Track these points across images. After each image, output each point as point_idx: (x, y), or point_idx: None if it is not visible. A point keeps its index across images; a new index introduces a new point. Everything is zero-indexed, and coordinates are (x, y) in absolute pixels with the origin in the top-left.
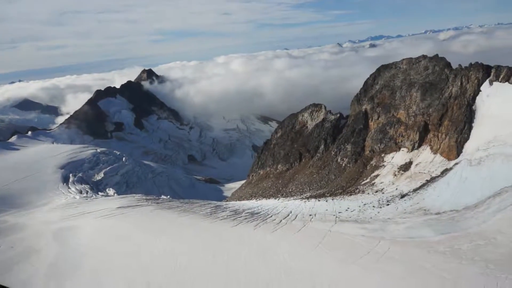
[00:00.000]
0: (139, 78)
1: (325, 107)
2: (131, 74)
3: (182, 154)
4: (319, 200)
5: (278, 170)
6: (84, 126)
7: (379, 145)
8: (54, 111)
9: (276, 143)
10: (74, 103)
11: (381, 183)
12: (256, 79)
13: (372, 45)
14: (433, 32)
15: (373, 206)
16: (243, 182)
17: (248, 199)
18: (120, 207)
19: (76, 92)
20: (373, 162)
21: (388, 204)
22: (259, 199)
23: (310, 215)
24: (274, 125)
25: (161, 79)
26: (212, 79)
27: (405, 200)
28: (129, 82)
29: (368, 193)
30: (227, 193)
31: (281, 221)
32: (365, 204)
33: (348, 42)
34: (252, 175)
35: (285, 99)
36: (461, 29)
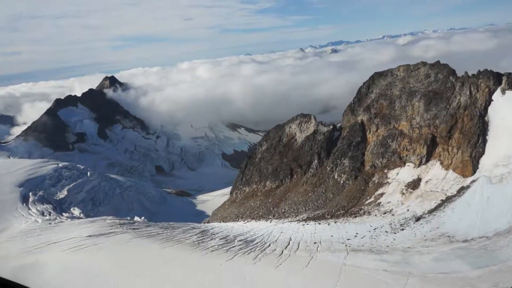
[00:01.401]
0: (101, 85)
1: (314, 118)
2: (93, 82)
3: (149, 165)
4: (319, 223)
5: (266, 188)
6: (43, 137)
7: (381, 159)
8: (10, 121)
9: (262, 158)
10: (31, 113)
11: (388, 203)
12: (223, 85)
13: (334, 51)
14: (390, 37)
15: (386, 231)
16: (215, 193)
17: (234, 221)
18: (91, 236)
19: (33, 101)
20: (375, 179)
21: (402, 229)
22: (248, 221)
23: (315, 243)
24: (243, 132)
25: (124, 87)
26: (178, 86)
27: (421, 224)
28: (90, 90)
29: (376, 215)
30: (200, 207)
31: (282, 251)
32: (375, 229)
33: (309, 47)
34: (236, 193)
35: (254, 106)
36: (416, 34)
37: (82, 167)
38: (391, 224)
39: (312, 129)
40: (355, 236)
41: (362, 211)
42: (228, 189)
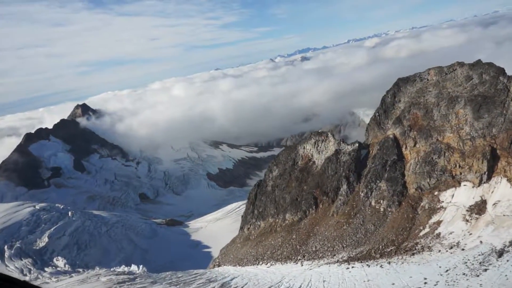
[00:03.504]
0: (73, 114)
1: (333, 135)
2: (63, 111)
3: (132, 194)
4: (368, 265)
5: (287, 221)
6: (15, 176)
7: (428, 180)
8: None
9: (276, 185)
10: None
11: (451, 233)
12: (202, 103)
13: (305, 58)
14: (355, 41)
15: (464, 274)
16: (206, 218)
17: (254, 264)
18: None
19: (1, 137)
20: (424, 204)
21: (485, 269)
22: (272, 264)
23: None
24: (226, 148)
25: (98, 114)
26: (155, 107)
27: (507, 260)
28: (62, 121)
29: (440, 251)
30: (195, 236)
31: None
32: (447, 271)
33: (278, 57)
34: (249, 228)
35: (236, 121)
36: (380, 36)
37: (62, 206)
38: (466, 263)
39: (333, 148)
40: (425, 283)
41: (419, 246)
42: (220, 212)
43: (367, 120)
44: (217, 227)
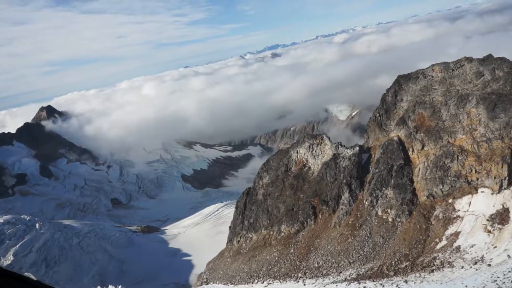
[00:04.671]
0: (38, 117)
1: (328, 138)
2: (27, 114)
3: (104, 199)
4: (382, 285)
5: (283, 234)
6: None
7: (440, 186)
8: None
9: (267, 194)
10: None
11: (472, 246)
12: (173, 102)
13: (275, 54)
14: (323, 36)
15: None
16: (184, 222)
17: (248, 282)
18: None
19: None
20: (438, 213)
21: None
22: (269, 282)
23: None
24: (200, 148)
25: (65, 116)
26: (125, 108)
27: None
28: (26, 124)
29: (463, 267)
30: (174, 243)
31: None
32: None
33: (248, 53)
34: (239, 241)
35: (211, 120)
36: (348, 32)
37: (28, 217)
38: (496, 281)
39: (330, 153)
40: None
41: (438, 261)
42: (198, 216)
43: (340, 116)
44: (196, 232)
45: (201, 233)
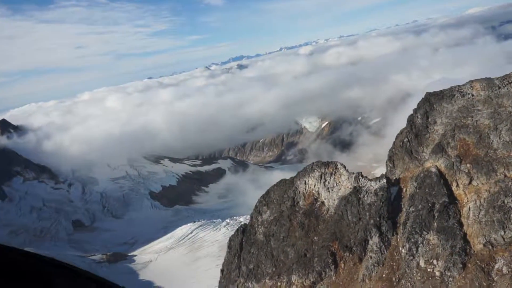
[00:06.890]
0: None
1: (344, 167)
2: None
3: (64, 222)
4: None
5: (294, 287)
6: None
7: (501, 232)
8: None
9: (270, 234)
10: None
11: None
12: (140, 115)
13: (241, 66)
14: (287, 48)
15: None
16: (154, 246)
17: None
18: None
19: None
20: (500, 266)
21: None
22: None
23: None
24: (168, 163)
25: (21, 131)
26: (87, 121)
27: None
28: None
29: None
30: (145, 274)
31: None
32: None
33: (213, 64)
34: None
35: (180, 134)
36: (310, 44)
37: None
38: None
39: (348, 184)
40: None
41: None
42: (171, 239)
43: (309, 127)
44: (170, 259)
45: (176, 260)
